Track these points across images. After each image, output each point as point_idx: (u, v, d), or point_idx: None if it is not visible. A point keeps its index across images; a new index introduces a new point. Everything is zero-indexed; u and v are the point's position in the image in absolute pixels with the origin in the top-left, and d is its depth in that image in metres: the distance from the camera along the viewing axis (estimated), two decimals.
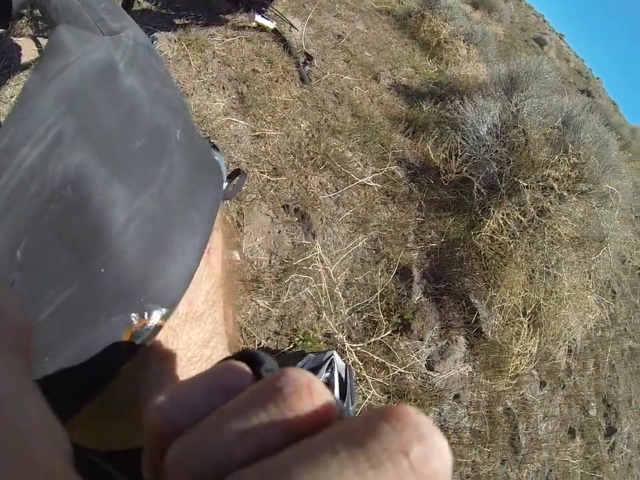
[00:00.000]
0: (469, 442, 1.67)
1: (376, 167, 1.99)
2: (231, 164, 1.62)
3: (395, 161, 2.11)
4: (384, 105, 2.44)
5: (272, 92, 1.93)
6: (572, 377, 2.36)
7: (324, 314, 1.50)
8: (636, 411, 2.82)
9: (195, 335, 0.28)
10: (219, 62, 1.96)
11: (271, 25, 2.26)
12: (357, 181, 1.85)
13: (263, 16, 2.23)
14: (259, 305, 1.43)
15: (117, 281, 0.24)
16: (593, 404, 2.40)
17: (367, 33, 3.21)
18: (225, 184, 1.32)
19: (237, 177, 1.39)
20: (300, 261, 1.55)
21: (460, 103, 2.49)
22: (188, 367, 0.28)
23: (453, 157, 2.18)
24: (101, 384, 0.24)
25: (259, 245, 1.53)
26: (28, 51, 1.54)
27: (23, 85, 0.23)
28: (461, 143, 2.26)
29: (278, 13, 2.39)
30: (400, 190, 2.02)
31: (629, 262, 3.13)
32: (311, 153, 1.78)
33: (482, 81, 3.19)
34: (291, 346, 1.41)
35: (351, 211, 1.76)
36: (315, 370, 1.19)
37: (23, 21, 1.66)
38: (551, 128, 2.57)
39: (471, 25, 4.24)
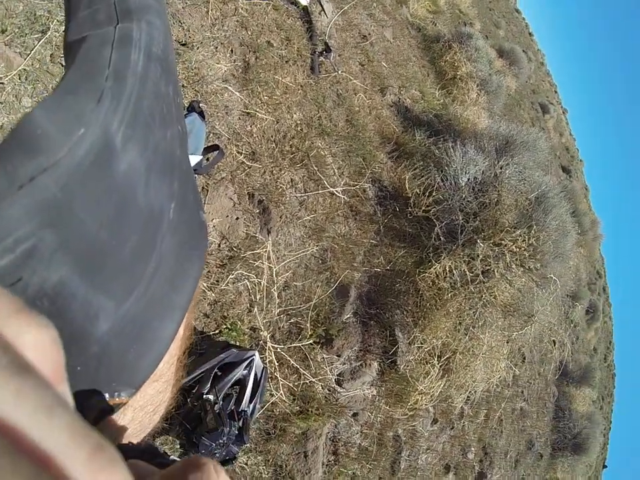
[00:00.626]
0: (355, 456, 1.75)
1: (350, 180, 1.99)
2: (212, 135, 1.58)
3: (371, 179, 2.12)
4: (380, 120, 2.45)
5: (278, 72, 1.89)
6: (462, 421, 2.52)
7: (256, 309, 1.51)
8: (509, 463, 3.06)
9: (151, 390, 0.29)
10: (237, 21, 1.89)
11: (304, 1, 2.20)
12: (328, 188, 1.85)
13: None
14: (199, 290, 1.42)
15: (93, 375, 0.24)
16: (473, 448, 2.57)
17: (392, 43, 3.18)
18: (200, 157, 1.29)
19: (214, 153, 1.37)
20: (248, 253, 1.54)
21: (452, 145, 2.53)
22: (139, 413, 0.29)
23: (426, 194, 2.23)
24: None
25: (214, 226, 1.51)
26: None
27: None
28: (438, 184, 2.31)
29: None
30: (365, 209, 2.05)
31: (545, 344, 3.35)
32: (293, 148, 1.76)
33: (479, 130, 3.25)
34: (217, 331, 1.41)
35: (311, 216, 1.76)
36: (234, 365, 1.23)
37: None
38: (525, 199, 2.67)
39: (490, 73, 4.29)
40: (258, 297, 1.54)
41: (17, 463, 0.10)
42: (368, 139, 2.21)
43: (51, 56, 1.27)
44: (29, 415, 0.11)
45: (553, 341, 3.39)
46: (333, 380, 1.74)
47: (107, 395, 0.25)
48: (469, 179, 2.42)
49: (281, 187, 1.69)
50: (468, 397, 2.42)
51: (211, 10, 1.81)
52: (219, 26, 1.81)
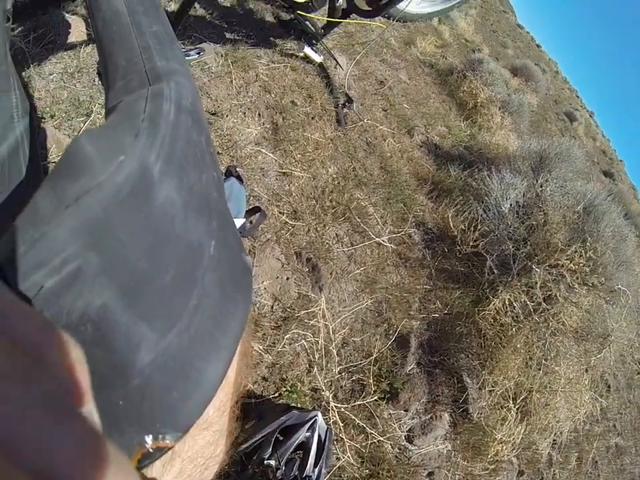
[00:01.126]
0: None
1: (394, 227, 1.94)
2: (252, 198, 1.58)
3: (414, 224, 2.06)
4: (413, 162, 2.41)
5: (306, 129, 1.89)
6: (552, 469, 2.28)
7: (315, 369, 1.44)
8: None
9: (201, 440, 0.28)
10: (260, 86, 1.93)
11: (318, 58, 2.24)
12: (374, 239, 1.80)
13: (312, 48, 2.21)
14: (253, 347, 1.38)
15: (135, 410, 0.23)
16: None
17: (409, 83, 3.21)
18: (243, 220, 1.29)
19: (257, 215, 1.36)
20: (302, 312, 1.49)
21: (487, 173, 2.47)
22: (188, 465, 0.28)
23: (472, 229, 2.14)
24: None
25: (265, 289, 1.47)
26: (77, 30, 1.53)
27: (33, 197, 0.21)
28: (482, 216, 2.23)
29: (327, 48, 2.38)
30: (413, 254, 1.97)
31: (629, 364, 3.08)
32: (334, 202, 1.73)
33: (511, 152, 3.19)
34: (277, 395, 1.35)
35: (361, 269, 1.70)
36: (296, 427, 1.16)
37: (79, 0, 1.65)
38: (572, 213, 2.55)
39: (509, 93, 4.28)
40: (317, 357, 1.47)
41: None
42: (405, 183, 2.17)
43: None
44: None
45: (638, 360, 3.11)
46: (403, 437, 1.62)
47: (150, 436, 0.23)
48: (511, 205, 2.34)
49: (327, 242, 1.65)
50: (554, 440, 2.21)
51: (234, 79, 1.86)
52: (243, 93, 1.86)
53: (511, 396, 2.04)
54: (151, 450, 0.24)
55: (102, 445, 0.13)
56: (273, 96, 1.93)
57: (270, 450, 1.11)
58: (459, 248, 2.11)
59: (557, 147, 2.85)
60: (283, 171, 1.69)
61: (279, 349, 1.39)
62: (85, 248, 0.21)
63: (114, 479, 0.12)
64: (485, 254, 2.14)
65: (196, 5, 2.00)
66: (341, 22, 2.08)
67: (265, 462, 1.09)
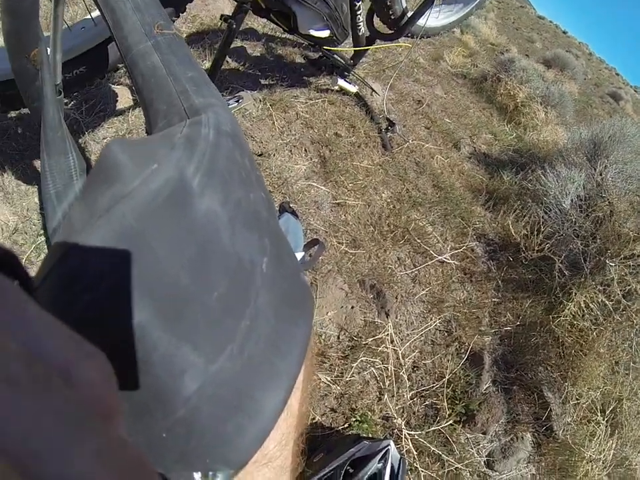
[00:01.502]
0: None
1: (455, 243, 1.90)
2: (309, 231, 1.60)
3: (475, 237, 2.02)
4: (464, 175, 2.38)
5: (354, 158, 1.92)
6: None
7: (386, 396, 1.41)
8: None
9: (260, 477, 0.26)
10: (302, 124, 1.98)
11: (353, 89, 2.28)
12: (436, 257, 1.77)
13: (345, 80, 2.25)
14: (320, 379, 1.36)
15: (181, 444, 0.21)
16: None
17: (446, 98, 3.19)
18: (302, 253, 1.30)
19: (315, 247, 1.37)
20: (370, 340, 1.47)
21: (542, 172, 2.38)
22: None
23: (535, 233, 2.06)
24: None
25: (330, 319, 1.47)
26: (123, 98, 1.65)
27: (69, 212, 0.20)
28: (543, 217, 2.14)
29: (360, 78, 2.42)
30: (478, 268, 1.92)
31: None
32: (391, 226, 1.73)
33: (562, 146, 3.06)
34: (346, 425, 1.32)
35: (427, 289, 1.67)
36: (367, 459, 1.09)
37: (121, 70, 1.76)
38: (638, 195, 2.41)
39: (547, 86, 4.16)
40: (387, 383, 1.44)
41: None
42: (459, 197, 2.14)
43: None
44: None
45: None
46: (482, 462, 1.54)
47: (199, 474, 0.22)
48: (572, 200, 2.23)
49: (389, 267, 1.64)
50: None
51: (276, 120, 1.92)
52: (287, 132, 1.91)
53: (599, 407, 1.91)
54: None
55: (126, 460, 0.12)
56: (316, 131, 1.97)
57: None
58: (524, 255, 2.03)
59: (609, 129, 2.71)
60: (337, 201, 1.71)
61: (347, 379, 1.38)
62: (119, 262, 0.20)
63: None
64: (552, 256, 2.04)
65: (228, 59, 2.10)
66: (367, 49, 2.12)
67: None
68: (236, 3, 1.47)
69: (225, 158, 0.29)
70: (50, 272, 0.20)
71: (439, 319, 1.65)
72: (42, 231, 1.21)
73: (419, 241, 1.77)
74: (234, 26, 1.48)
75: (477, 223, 2.09)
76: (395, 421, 1.39)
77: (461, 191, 2.21)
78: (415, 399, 1.47)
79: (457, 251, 1.86)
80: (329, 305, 1.49)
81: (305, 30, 1.61)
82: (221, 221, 0.25)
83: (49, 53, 0.94)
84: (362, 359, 1.42)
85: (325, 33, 1.66)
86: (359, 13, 1.82)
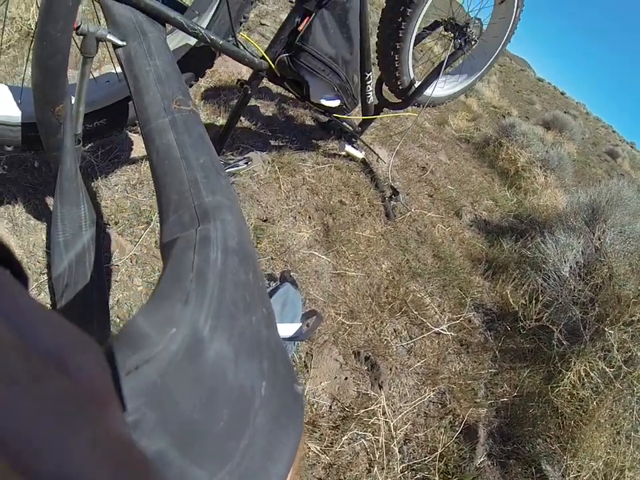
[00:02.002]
0: None
1: (453, 314, 1.92)
2: (308, 301, 1.63)
3: (473, 307, 2.03)
4: (465, 243, 2.42)
5: (357, 227, 1.97)
6: None
7: (375, 468, 1.37)
8: None
9: None
10: (307, 189, 2.05)
11: (359, 155, 2.37)
12: (433, 329, 1.79)
13: (352, 146, 2.35)
14: (310, 448, 1.35)
15: None
16: None
17: (449, 164, 3.29)
18: (299, 324, 1.32)
19: (313, 318, 1.39)
20: (362, 411, 1.46)
21: (541, 239, 2.41)
22: None
23: (533, 301, 2.07)
24: None
25: (323, 389, 1.47)
26: (138, 147, 1.73)
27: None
28: (542, 285, 2.16)
29: (366, 144, 2.52)
30: (475, 339, 1.93)
31: None
32: (389, 298, 1.76)
33: (561, 211, 3.11)
34: None
35: (422, 361, 1.68)
36: None
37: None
38: (638, 258, 2.41)
39: (547, 150, 4.29)
40: (377, 456, 1.42)
41: None
42: (459, 266, 2.17)
43: (155, 242, 1.47)
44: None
45: None
46: None
47: None
48: (571, 267, 2.25)
49: (385, 339, 1.65)
50: None
51: (282, 184, 1.99)
52: (292, 197, 1.97)
53: (601, 479, 1.85)
54: None
55: (122, 451, 0.12)
56: (321, 197, 2.04)
57: None
58: (522, 324, 2.04)
59: (606, 193, 2.76)
60: (337, 272, 1.75)
61: (337, 449, 1.36)
62: (142, 406, 0.23)
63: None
64: (550, 326, 2.04)
65: (241, 117, 2.20)
66: (375, 118, 2.23)
67: None
68: (252, 71, 1.53)
69: (232, 285, 0.34)
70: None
71: (433, 391, 1.65)
72: (45, 270, 1.23)
73: (416, 312, 1.78)
74: (249, 91, 1.56)
75: (476, 293, 2.11)
76: None
77: (461, 261, 2.24)
78: (405, 472, 1.44)
79: (454, 322, 1.87)
80: (323, 375, 1.50)
81: (317, 99, 1.70)
82: (228, 359, 0.30)
83: (72, 103, 0.98)
84: (353, 430, 1.41)
85: (335, 103, 1.75)
86: (368, 82, 1.92)
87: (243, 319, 0.33)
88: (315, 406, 1.43)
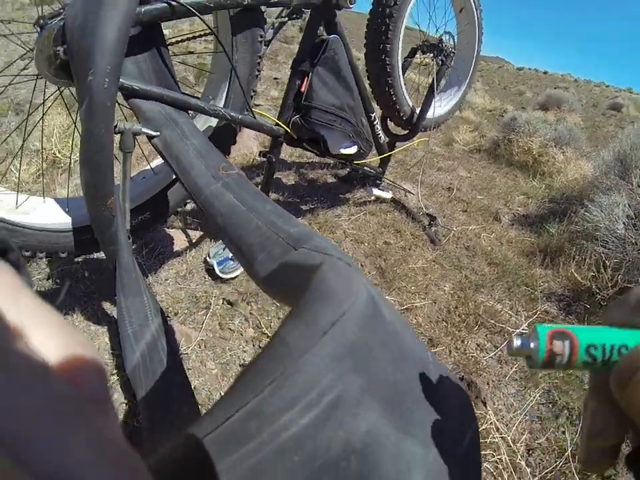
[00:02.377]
0: None
1: (527, 311, 1.95)
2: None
3: (544, 298, 2.05)
4: (513, 243, 2.47)
5: (408, 261, 2.07)
6: None
7: None
8: None
9: None
10: (351, 240, 2.18)
11: (388, 195, 2.49)
12: (514, 332, 1.82)
13: (379, 188, 2.49)
14: None
15: None
16: None
17: (471, 176, 3.40)
18: None
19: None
20: None
21: (584, 210, 2.41)
22: None
23: (602, 271, 2.06)
24: None
25: None
26: (178, 240, 1.83)
27: (276, 335, 0.21)
28: (603, 252, 2.13)
29: (391, 182, 2.67)
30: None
31: None
32: (462, 316, 1.82)
33: (592, 177, 3.10)
34: None
35: (515, 366, 1.70)
36: None
37: (173, 215, 1.96)
38: None
39: (554, 128, 4.30)
40: (506, 476, 1.35)
41: None
42: (516, 265, 2.21)
43: (219, 324, 1.52)
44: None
45: None
46: None
47: None
48: (624, 223, 2.22)
49: (472, 356, 1.69)
50: None
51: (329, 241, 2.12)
52: (340, 249, 2.10)
53: None
54: None
55: (120, 452, 0.12)
56: (366, 244, 2.16)
57: None
58: (599, 296, 2.02)
59: (627, 141, 2.74)
60: (405, 307, 1.83)
61: None
62: (345, 373, 0.20)
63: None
64: (629, 285, 2.00)
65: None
66: (391, 154, 2.37)
67: None
68: (271, 138, 1.64)
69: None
70: (260, 399, 0.20)
71: (538, 392, 1.64)
72: (115, 371, 1.25)
73: (492, 321, 1.83)
74: (273, 159, 1.66)
75: (542, 284, 2.13)
76: None
77: (516, 259, 2.28)
78: None
79: (531, 319, 1.90)
80: None
81: (336, 150, 1.78)
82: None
83: (120, 202, 1.03)
84: None
85: (354, 149, 1.84)
86: (375, 123, 2.05)
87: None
88: None
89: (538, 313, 1.94)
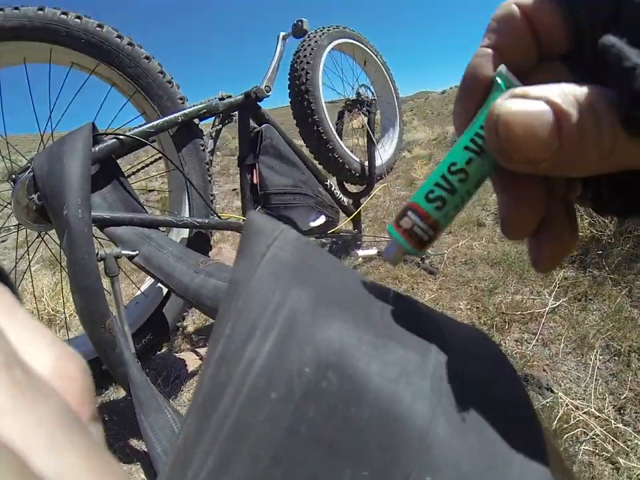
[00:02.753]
0: None
1: (547, 287, 1.94)
2: None
3: (558, 268, 2.05)
4: (504, 239, 2.52)
5: (416, 296, 2.10)
6: None
7: (620, 460, 1.21)
8: None
9: None
10: None
11: (373, 251, 2.51)
12: (544, 310, 1.80)
13: (362, 249, 2.54)
14: None
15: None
16: None
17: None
18: None
19: None
20: (555, 423, 1.36)
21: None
22: None
23: (619, 232, 2.06)
24: None
25: None
26: (191, 361, 1.82)
27: (229, 280, 0.20)
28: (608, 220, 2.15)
29: (370, 238, 2.76)
30: (584, 283, 1.91)
31: None
32: (488, 322, 1.80)
33: None
34: None
35: (561, 340, 1.66)
36: None
37: (179, 338, 1.97)
38: None
39: None
40: (610, 447, 1.26)
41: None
42: (517, 254, 2.24)
43: None
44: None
45: None
46: None
47: None
48: None
49: (515, 353, 1.63)
50: None
51: None
52: None
53: None
54: None
55: (104, 459, 0.13)
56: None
57: None
58: (605, 238, 2.00)
59: None
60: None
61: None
62: (290, 287, 0.19)
63: None
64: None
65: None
66: (359, 211, 2.45)
67: None
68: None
69: None
70: (217, 337, 0.19)
71: (597, 352, 1.58)
72: None
73: (519, 313, 1.82)
74: None
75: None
76: None
77: (515, 250, 2.30)
78: None
79: (555, 291, 1.89)
80: None
81: (307, 226, 1.83)
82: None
83: (118, 325, 1.03)
84: (564, 446, 1.30)
85: (322, 219, 1.89)
86: (333, 189, 2.13)
87: None
88: None
89: (558, 283, 1.93)
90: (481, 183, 0.21)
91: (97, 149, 1.11)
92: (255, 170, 1.70)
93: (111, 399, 1.65)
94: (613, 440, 1.30)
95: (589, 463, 1.26)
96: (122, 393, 1.67)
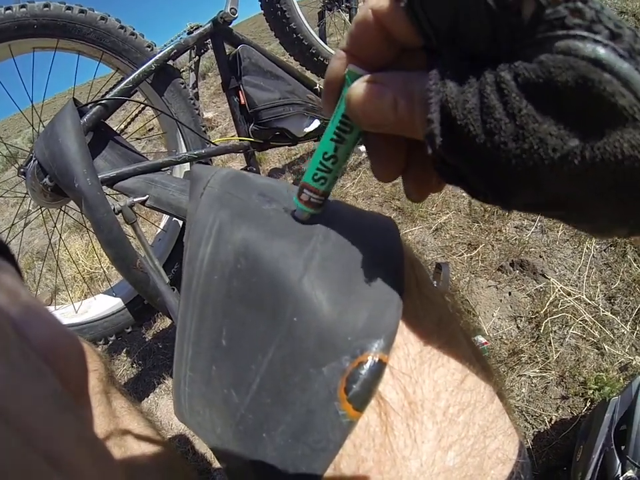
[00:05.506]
0: None
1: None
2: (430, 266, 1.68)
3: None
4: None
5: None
6: None
7: (605, 346, 1.26)
8: None
9: (441, 378, 0.23)
10: (362, 199, 2.17)
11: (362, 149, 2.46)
12: (560, 286, 1.54)
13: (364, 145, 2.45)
14: (530, 377, 1.26)
15: (315, 325, 0.22)
16: None
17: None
18: (434, 283, 1.33)
19: (440, 271, 1.36)
20: (547, 306, 1.39)
21: None
22: (446, 425, 0.22)
23: None
24: (324, 461, 0.22)
25: (499, 318, 1.44)
26: None
27: (187, 213, 0.31)
28: None
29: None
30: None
31: None
32: (489, 209, 1.76)
33: None
34: (589, 404, 1.16)
35: (561, 226, 1.62)
36: (627, 413, 0.91)
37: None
38: None
39: None
40: (597, 333, 1.30)
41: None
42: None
43: None
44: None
45: None
46: None
47: (347, 356, 0.22)
48: None
49: (515, 240, 1.63)
50: None
51: None
52: None
53: None
54: (353, 369, 0.21)
55: (96, 440, 0.13)
56: (377, 195, 2.14)
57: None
58: None
59: None
60: (434, 228, 1.82)
61: (555, 358, 1.27)
62: (217, 211, 0.28)
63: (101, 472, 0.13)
64: None
65: None
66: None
67: None
68: (243, 154, 1.72)
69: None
70: (185, 251, 0.30)
71: (594, 240, 1.55)
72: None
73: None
74: (254, 169, 1.74)
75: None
76: (634, 362, 1.21)
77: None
78: (637, 325, 1.30)
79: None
80: (489, 307, 1.48)
81: (302, 132, 1.81)
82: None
83: (149, 262, 1.18)
84: (555, 329, 1.34)
85: (317, 123, 1.82)
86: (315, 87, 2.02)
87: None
88: (504, 336, 1.39)
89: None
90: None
91: (85, 119, 1.17)
92: (240, 92, 1.69)
93: (160, 328, 1.79)
94: (600, 327, 1.32)
95: (576, 346, 1.30)
96: (168, 322, 1.80)
